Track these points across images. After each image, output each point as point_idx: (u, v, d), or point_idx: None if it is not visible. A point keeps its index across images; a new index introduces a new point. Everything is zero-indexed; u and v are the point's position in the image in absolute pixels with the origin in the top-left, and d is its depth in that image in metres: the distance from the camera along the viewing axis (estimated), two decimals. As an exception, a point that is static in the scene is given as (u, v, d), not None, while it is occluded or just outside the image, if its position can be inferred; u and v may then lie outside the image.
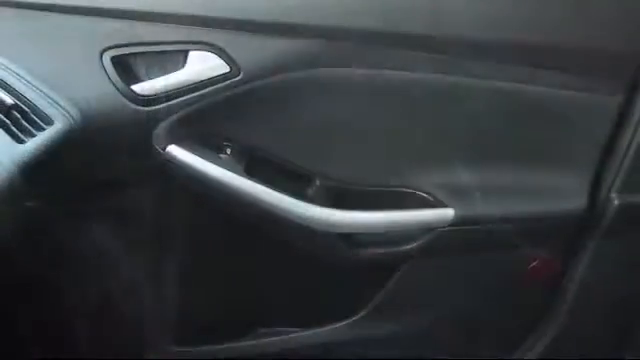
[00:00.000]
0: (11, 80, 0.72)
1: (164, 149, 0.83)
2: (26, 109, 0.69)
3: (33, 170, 0.66)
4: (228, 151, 0.86)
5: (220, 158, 0.85)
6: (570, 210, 0.88)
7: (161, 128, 0.82)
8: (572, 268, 0.94)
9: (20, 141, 0.66)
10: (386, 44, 0.83)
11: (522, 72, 0.83)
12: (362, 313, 0.96)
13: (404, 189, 0.88)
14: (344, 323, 0.96)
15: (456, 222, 0.86)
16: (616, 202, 0.87)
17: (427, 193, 0.88)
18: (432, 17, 0.82)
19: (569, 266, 0.94)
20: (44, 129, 0.69)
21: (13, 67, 0.74)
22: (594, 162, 0.87)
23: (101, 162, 0.79)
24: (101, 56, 0.79)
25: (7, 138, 0.65)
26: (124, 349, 0.96)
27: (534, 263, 0.93)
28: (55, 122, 0.71)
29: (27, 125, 0.67)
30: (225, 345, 0.99)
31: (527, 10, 0.82)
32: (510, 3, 0.82)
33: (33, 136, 0.67)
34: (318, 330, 0.97)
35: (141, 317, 0.96)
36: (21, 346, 0.91)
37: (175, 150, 0.83)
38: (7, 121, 0.66)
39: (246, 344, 0.99)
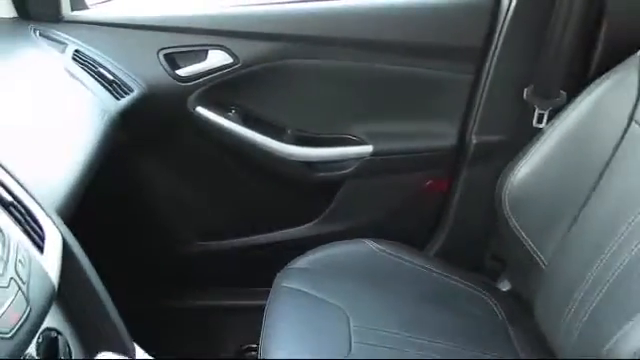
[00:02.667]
0: (110, 67, 1.25)
1: (194, 109, 1.34)
2: (119, 82, 1.22)
3: (125, 116, 1.18)
4: (233, 111, 1.36)
5: (229, 115, 1.36)
6: (447, 146, 1.37)
7: (192, 96, 1.33)
8: (454, 186, 1.41)
9: (118, 99, 1.19)
10: (330, 44, 1.33)
11: (410, 60, 1.32)
12: (321, 217, 1.46)
13: (342, 134, 1.39)
14: (309, 224, 1.47)
15: (373, 153, 1.37)
16: (474, 141, 1.35)
17: (356, 136, 1.38)
18: (356, 26, 1.32)
19: (452, 184, 1.42)
20: (129, 93, 1.23)
21: (110, 60, 1.27)
22: (459, 115, 1.36)
23: (158, 114, 1.32)
24: (158, 53, 1.30)
25: (112, 97, 1.18)
26: (165, 241, 1.48)
27: (428, 182, 1.42)
28: (135, 90, 1.25)
29: (121, 90, 1.20)
30: (231, 240, 1.49)
31: (411, 24, 1.32)
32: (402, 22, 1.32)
33: (124, 97, 1.20)
34: (292, 229, 1.47)
35: (175, 219, 1.47)
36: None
37: (201, 110, 1.34)
38: (110, 88, 1.19)
39: (245, 239, 1.49)
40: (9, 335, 0.56)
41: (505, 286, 1.39)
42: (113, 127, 1.13)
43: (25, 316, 0.59)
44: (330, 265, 1.25)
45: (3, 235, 0.63)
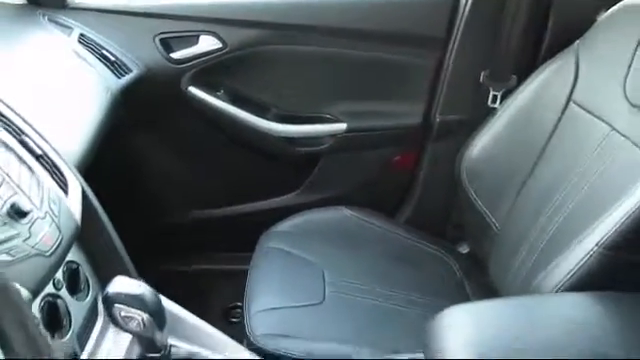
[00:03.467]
0: (112, 50, 1.39)
1: (187, 89, 1.48)
2: (119, 63, 1.36)
3: (125, 94, 1.32)
4: (222, 91, 1.51)
5: (218, 95, 1.50)
6: (413, 124, 1.53)
7: (185, 77, 1.47)
8: (420, 160, 1.57)
9: (119, 77, 1.33)
10: (310, 32, 1.47)
11: (381, 47, 1.47)
12: (301, 188, 1.61)
13: (320, 113, 1.54)
14: (291, 194, 1.62)
15: (347, 131, 1.52)
16: (438, 119, 1.51)
17: (332, 115, 1.54)
18: (334, 16, 1.47)
19: (419, 159, 1.57)
20: (128, 73, 1.37)
21: (112, 43, 1.41)
22: (424, 97, 1.51)
23: (154, 93, 1.46)
24: (154, 38, 1.45)
25: (114, 76, 1.32)
26: (160, 210, 1.63)
27: (397, 157, 1.58)
28: (133, 70, 1.39)
29: (121, 70, 1.35)
30: (221, 209, 1.65)
31: (383, 16, 1.47)
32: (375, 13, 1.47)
33: (124, 76, 1.35)
34: (276, 198, 1.63)
35: (169, 189, 1.62)
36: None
37: (193, 90, 1.49)
38: (112, 68, 1.33)
39: (234, 208, 1.65)
40: (48, 254, 0.71)
41: (464, 249, 1.55)
42: (115, 102, 1.27)
43: (58, 242, 0.74)
44: (309, 228, 1.40)
45: (37, 179, 0.78)
